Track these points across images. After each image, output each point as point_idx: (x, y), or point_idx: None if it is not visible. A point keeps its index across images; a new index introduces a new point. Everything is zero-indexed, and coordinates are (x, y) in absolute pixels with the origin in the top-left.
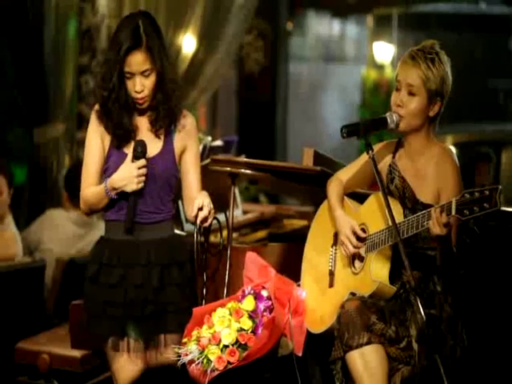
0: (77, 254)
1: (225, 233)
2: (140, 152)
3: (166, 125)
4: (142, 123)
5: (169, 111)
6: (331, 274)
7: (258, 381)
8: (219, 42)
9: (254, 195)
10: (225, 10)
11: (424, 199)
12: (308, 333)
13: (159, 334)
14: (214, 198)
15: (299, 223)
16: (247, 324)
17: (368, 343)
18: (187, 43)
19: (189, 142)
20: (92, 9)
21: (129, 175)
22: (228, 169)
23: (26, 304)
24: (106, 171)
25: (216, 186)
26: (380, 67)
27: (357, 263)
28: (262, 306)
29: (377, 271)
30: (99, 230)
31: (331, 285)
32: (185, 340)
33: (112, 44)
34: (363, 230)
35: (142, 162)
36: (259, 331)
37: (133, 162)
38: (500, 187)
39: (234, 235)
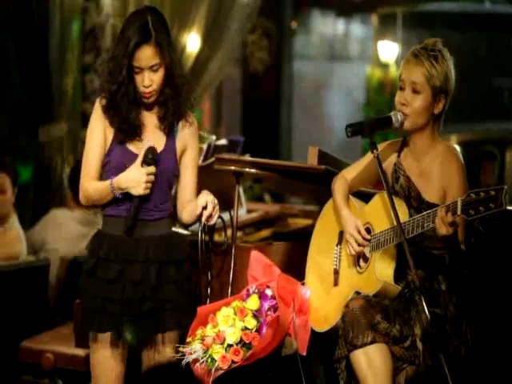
0: (81, 253)
1: (229, 232)
2: (150, 159)
3: (175, 120)
4: (149, 120)
5: (178, 106)
6: (336, 272)
7: (263, 380)
8: (223, 41)
9: (259, 194)
10: (228, 8)
11: (429, 198)
12: (312, 332)
13: (157, 332)
14: (219, 196)
15: (304, 222)
16: (251, 323)
17: (372, 342)
18: (191, 42)
19: (189, 142)
20: (96, 8)
21: (138, 179)
22: (232, 168)
23: (30, 303)
24: (107, 165)
25: (220, 184)
26: (384, 66)
27: (361, 262)
28: (266, 305)
29: (381, 270)
30: None
31: (336, 284)
32: (189, 339)
33: (120, 39)
34: (368, 230)
35: (152, 169)
36: (263, 330)
37: (142, 166)
38: (506, 187)
39: (239, 234)
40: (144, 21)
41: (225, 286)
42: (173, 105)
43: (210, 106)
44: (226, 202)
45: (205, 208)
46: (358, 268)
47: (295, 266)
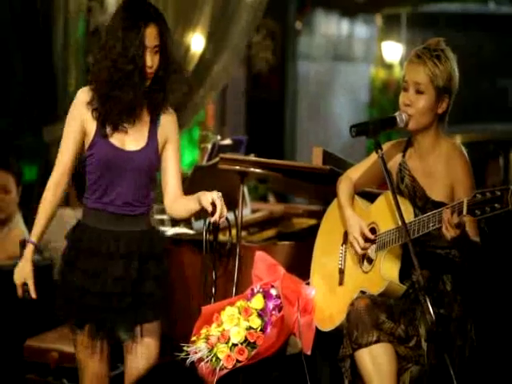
0: None
1: (234, 231)
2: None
3: (161, 109)
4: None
5: (165, 95)
6: (341, 272)
7: (267, 379)
8: (227, 42)
9: (263, 194)
10: (233, 9)
11: (435, 197)
12: (317, 331)
13: (136, 324)
14: (223, 196)
15: (308, 222)
16: (256, 322)
17: (377, 342)
18: (195, 42)
19: (170, 135)
20: (101, 8)
21: (18, 274)
22: (237, 167)
23: (35, 302)
24: (90, 157)
25: (225, 184)
26: (388, 67)
27: (367, 262)
28: (270, 305)
29: (387, 270)
30: None
31: (341, 283)
32: (194, 338)
33: (123, 19)
34: (373, 229)
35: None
36: (268, 330)
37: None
38: (511, 188)
39: (243, 234)
40: (146, 3)
41: (229, 285)
42: (161, 95)
43: (215, 106)
44: (230, 202)
45: (213, 205)
46: (363, 267)
47: (300, 266)
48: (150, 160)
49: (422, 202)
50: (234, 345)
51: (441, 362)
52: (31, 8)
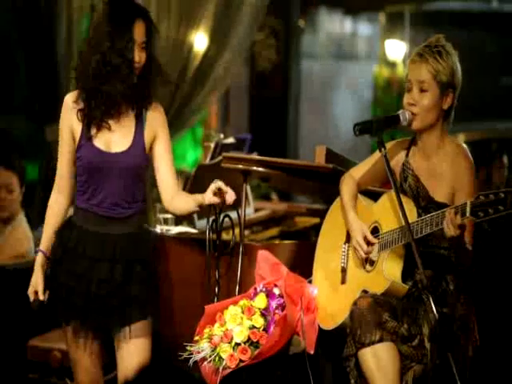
0: None
1: (237, 230)
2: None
3: (144, 105)
4: (119, 114)
5: (149, 90)
6: (343, 270)
7: (270, 379)
8: (230, 40)
9: (265, 193)
10: (236, 7)
11: (438, 198)
12: (320, 330)
13: (123, 325)
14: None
15: (311, 221)
16: (259, 322)
17: (380, 341)
18: (198, 41)
19: (159, 130)
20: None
21: (31, 283)
22: (240, 166)
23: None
24: (78, 160)
25: (228, 183)
26: (392, 65)
27: (369, 261)
28: (273, 304)
29: (389, 269)
30: None
31: (343, 282)
32: (197, 338)
33: (111, 15)
34: (376, 228)
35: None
36: (271, 329)
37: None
38: None
39: (246, 233)
40: (133, 1)
41: (232, 284)
42: (145, 90)
43: (218, 105)
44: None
45: (220, 193)
46: (365, 267)
47: (302, 265)
48: (136, 160)
49: (425, 202)
50: (237, 344)
51: (444, 361)
52: (34, 6)
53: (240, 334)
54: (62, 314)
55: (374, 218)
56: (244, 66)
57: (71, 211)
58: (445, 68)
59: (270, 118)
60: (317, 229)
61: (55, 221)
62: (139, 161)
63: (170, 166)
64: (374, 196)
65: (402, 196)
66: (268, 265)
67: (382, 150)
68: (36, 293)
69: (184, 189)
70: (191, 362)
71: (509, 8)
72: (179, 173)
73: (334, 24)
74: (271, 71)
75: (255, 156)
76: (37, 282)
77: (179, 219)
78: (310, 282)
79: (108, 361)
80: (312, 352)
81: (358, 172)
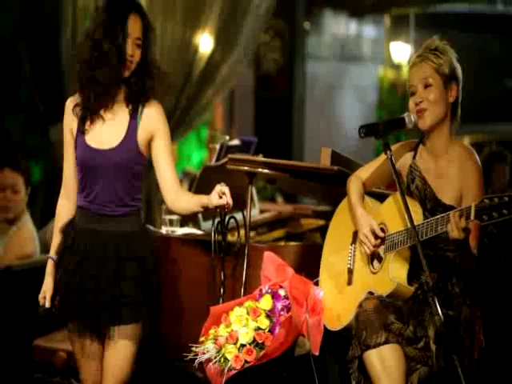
0: None
1: (242, 232)
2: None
3: (139, 102)
4: (112, 108)
5: (143, 88)
6: (350, 272)
7: (275, 380)
8: (236, 42)
9: (270, 195)
10: (242, 9)
11: (445, 200)
12: (325, 331)
13: (113, 325)
14: (231, 196)
15: (317, 222)
16: (264, 323)
17: (386, 342)
18: (204, 43)
19: (156, 129)
20: None
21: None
22: (245, 168)
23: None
24: (77, 159)
25: (233, 185)
26: (397, 67)
27: (375, 263)
28: (279, 305)
29: (395, 271)
30: None
31: (349, 283)
32: (202, 339)
33: (108, 7)
34: (382, 230)
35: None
36: (276, 330)
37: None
38: None
39: (251, 234)
40: None
41: (238, 285)
42: (140, 85)
43: (223, 107)
44: (239, 202)
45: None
46: (371, 268)
47: (308, 267)
48: (125, 156)
49: (432, 205)
50: (243, 345)
51: (449, 363)
52: (39, 7)
53: (245, 335)
54: (61, 312)
55: (381, 220)
56: (249, 67)
57: None
58: (445, 62)
59: (275, 119)
60: (322, 231)
61: (63, 225)
62: (129, 157)
63: (170, 164)
64: (380, 198)
65: (408, 198)
66: (274, 266)
67: (388, 152)
68: (45, 298)
69: (189, 190)
70: (196, 362)
71: None
72: (184, 174)
73: (339, 26)
74: (276, 73)
75: (260, 158)
76: (46, 289)
77: (185, 220)
78: (317, 282)
79: None
80: (317, 354)
81: (365, 173)
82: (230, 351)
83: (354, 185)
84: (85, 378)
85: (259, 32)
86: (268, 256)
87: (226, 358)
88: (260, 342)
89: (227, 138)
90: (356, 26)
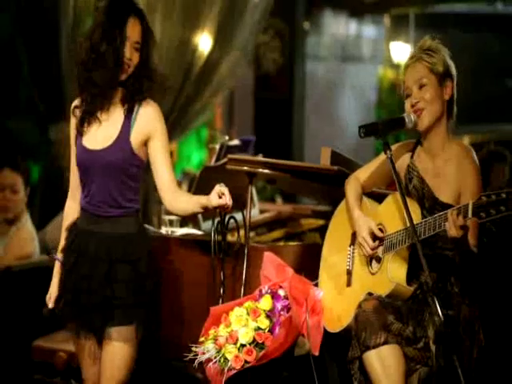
0: None
1: (242, 232)
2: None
3: (135, 102)
4: (108, 109)
5: (140, 88)
6: (349, 273)
7: (275, 380)
8: (235, 42)
9: (270, 195)
10: (240, 9)
11: (443, 198)
12: (325, 332)
13: (105, 326)
14: (231, 197)
15: (316, 223)
16: (264, 323)
17: (385, 343)
18: (203, 42)
19: (153, 129)
20: None
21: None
22: (245, 168)
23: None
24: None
25: (233, 185)
26: (397, 67)
27: (374, 263)
28: (279, 306)
29: (394, 272)
30: None
31: (349, 284)
32: (202, 339)
33: (107, 8)
34: (380, 230)
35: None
36: (276, 330)
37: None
38: None
39: (251, 234)
40: (133, 1)
41: (238, 286)
42: (137, 86)
43: (222, 107)
44: (238, 203)
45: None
46: (370, 269)
47: (308, 267)
48: (119, 156)
49: (430, 203)
50: (243, 345)
51: (449, 363)
52: (38, 7)
53: (245, 336)
54: (61, 312)
55: (379, 220)
56: (249, 67)
57: None
58: (439, 60)
59: (275, 119)
60: (322, 230)
61: (68, 226)
62: (122, 158)
63: (167, 165)
64: (380, 198)
65: (406, 198)
66: (273, 266)
67: (388, 152)
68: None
69: (189, 190)
70: (196, 362)
71: None
72: (184, 174)
73: (339, 26)
74: (276, 73)
75: (260, 158)
76: (52, 289)
77: (184, 221)
78: (317, 284)
79: None
80: (317, 354)
81: (364, 174)
82: (230, 351)
83: (352, 186)
84: (86, 377)
85: (258, 32)
86: (268, 256)
87: (225, 358)
88: (260, 342)
89: (227, 138)
90: (356, 25)
